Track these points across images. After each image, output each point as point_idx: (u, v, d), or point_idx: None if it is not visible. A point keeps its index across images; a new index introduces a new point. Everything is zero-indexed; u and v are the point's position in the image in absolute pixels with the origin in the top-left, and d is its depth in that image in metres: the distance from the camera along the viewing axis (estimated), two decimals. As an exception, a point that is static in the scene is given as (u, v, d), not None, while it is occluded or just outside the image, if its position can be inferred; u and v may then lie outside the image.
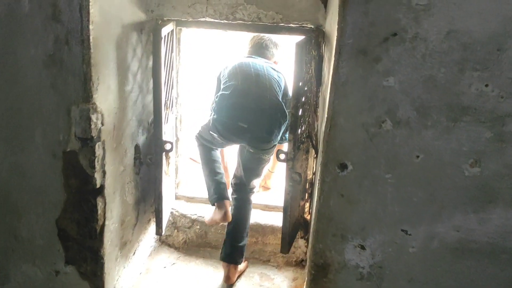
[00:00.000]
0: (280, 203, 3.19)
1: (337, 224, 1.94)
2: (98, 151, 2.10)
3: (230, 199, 2.98)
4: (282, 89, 2.97)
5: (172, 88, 2.82)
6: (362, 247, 1.96)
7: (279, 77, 2.98)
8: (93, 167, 2.09)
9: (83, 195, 2.13)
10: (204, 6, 2.51)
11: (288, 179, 2.50)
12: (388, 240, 1.92)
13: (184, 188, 3.31)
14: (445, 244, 1.89)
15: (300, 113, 2.41)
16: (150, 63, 2.66)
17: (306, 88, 2.45)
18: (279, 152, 2.52)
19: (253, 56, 3.04)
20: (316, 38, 2.55)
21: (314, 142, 2.60)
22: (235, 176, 3.04)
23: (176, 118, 3.05)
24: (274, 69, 2.99)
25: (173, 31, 2.71)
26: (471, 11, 1.59)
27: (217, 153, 3.11)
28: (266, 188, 3.49)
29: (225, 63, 3.04)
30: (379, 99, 1.74)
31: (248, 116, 2.78)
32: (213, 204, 2.95)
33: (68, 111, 2.01)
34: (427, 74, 1.68)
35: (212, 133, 2.91)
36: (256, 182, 3.06)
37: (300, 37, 2.82)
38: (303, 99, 2.45)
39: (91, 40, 1.90)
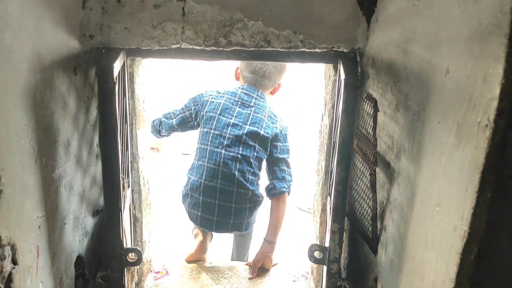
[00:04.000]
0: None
1: None
2: (10, 316, 1.07)
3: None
4: (271, 136, 2.28)
5: (126, 150, 1.82)
6: None
7: (272, 128, 2.29)
8: None
9: None
10: (179, 25, 1.54)
11: (331, 292, 1.60)
12: None
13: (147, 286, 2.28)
14: None
15: (348, 194, 1.53)
16: (91, 117, 1.65)
17: (356, 154, 1.57)
18: (313, 249, 1.63)
19: (247, 90, 2.32)
20: (349, 67, 1.68)
21: (370, 230, 1.66)
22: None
23: (132, 190, 2.03)
24: (270, 115, 2.31)
25: (124, 65, 1.71)
26: None
27: None
28: (265, 269, 2.42)
29: (208, 89, 2.45)
30: None
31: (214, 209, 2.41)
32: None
33: None
34: None
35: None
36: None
37: (318, 65, 1.96)
38: (357, 172, 1.57)
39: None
